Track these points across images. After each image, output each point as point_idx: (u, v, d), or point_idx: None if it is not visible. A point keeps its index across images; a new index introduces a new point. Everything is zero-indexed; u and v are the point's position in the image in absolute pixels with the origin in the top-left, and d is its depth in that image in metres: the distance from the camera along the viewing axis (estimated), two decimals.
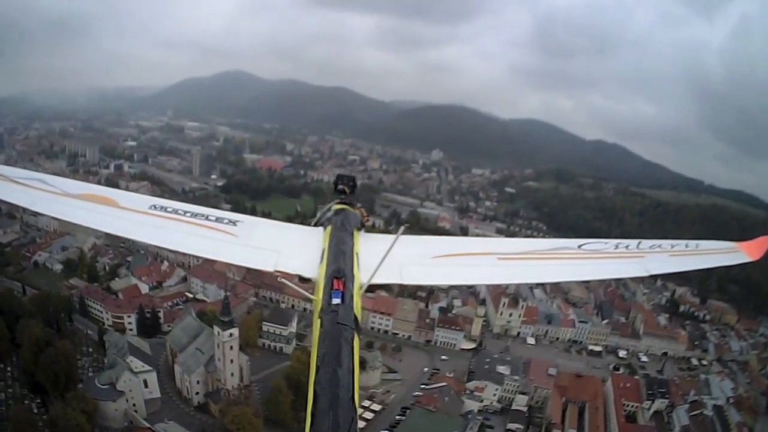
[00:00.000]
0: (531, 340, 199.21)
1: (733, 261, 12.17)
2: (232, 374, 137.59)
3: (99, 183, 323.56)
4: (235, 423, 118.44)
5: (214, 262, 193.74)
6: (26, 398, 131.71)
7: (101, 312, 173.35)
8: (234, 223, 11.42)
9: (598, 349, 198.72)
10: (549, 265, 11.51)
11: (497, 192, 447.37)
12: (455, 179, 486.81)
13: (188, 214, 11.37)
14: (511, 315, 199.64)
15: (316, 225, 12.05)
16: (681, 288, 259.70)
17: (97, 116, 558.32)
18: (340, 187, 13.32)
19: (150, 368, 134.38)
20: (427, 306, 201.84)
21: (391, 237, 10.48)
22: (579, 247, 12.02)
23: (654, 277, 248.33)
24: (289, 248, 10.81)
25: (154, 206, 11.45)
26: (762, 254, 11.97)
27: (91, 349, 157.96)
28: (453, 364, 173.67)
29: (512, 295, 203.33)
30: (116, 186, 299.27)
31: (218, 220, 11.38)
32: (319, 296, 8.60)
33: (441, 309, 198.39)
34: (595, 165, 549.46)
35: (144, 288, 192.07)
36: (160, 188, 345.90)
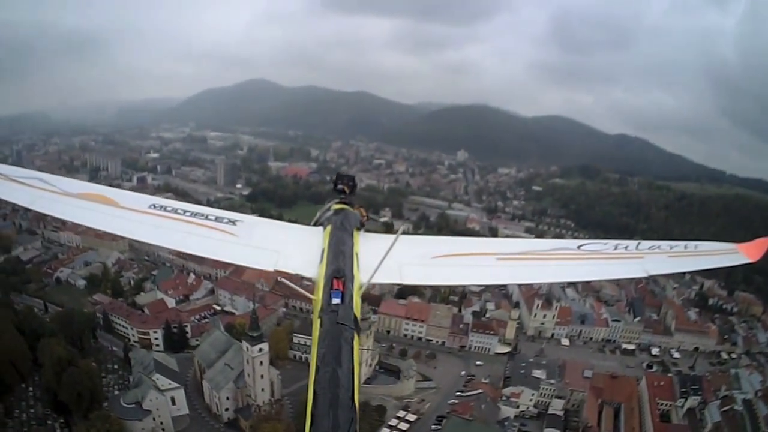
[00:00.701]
0: (565, 341, 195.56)
1: (732, 262, 12.01)
2: (262, 390, 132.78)
3: None
4: None
5: (242, 273, 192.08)
6: (49, 418, 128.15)
7: (126, 328, 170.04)
8: (234, 222, 11.38)
9: (631, 347, 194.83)
10: (548, 265, 11.40)
11: (524, 191, 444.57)
12: (482, 179, 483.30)
13: (188, 214, 11.35)
14: (545, 316, 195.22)
15: (315, 225, 12.09)
16: (709, 281, 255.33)
17: (118, 130, 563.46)
18: (340, 186, 13.24)
19: (177, 385, 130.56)
20: (460, 311, 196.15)
21: (391, 237, 10.51)
22: (578, 247, 11.98)
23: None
24: (289, 248, 10.80)
25: (154, 206, 11.44)
26: (761, 255, 11.89)
27: (116, 366, 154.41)
28: (488, 369, 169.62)
29: (545, 295, 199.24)
30: None
31: (218, 219, 11.37)
32: (319, 296, 8.65)
33: (474, 313, 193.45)
34: (619, 159, 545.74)
35: (170, 302, 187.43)
36: (185, 200, 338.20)
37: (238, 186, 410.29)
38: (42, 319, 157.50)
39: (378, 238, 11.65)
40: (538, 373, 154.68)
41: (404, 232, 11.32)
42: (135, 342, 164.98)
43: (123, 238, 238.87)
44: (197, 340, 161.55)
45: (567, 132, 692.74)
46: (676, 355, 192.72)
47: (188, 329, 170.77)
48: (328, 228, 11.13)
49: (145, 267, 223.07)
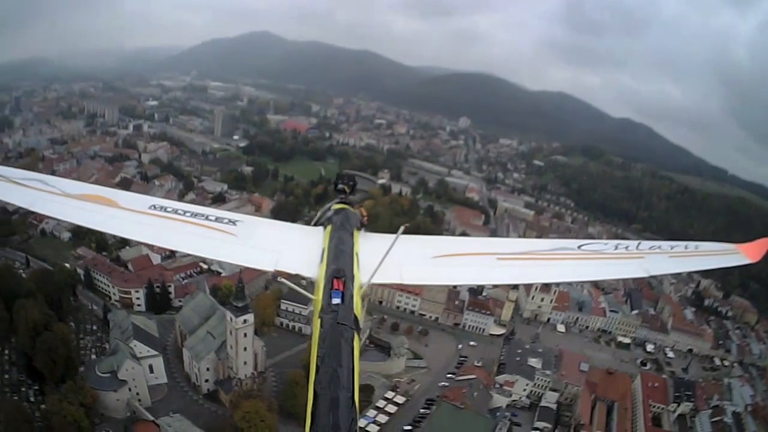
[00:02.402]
0: (561, 328, 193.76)
1: (732, 263, 11.85)
2: (245, 363, 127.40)
3: (117, 144, 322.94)
4: (246, 420, 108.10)
5: None
6: (24, 385, 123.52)
7: (108, 286, 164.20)
8: (234, 222, 11.35)
9: (627, 341, 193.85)
10: (548, 265, 11.38)
11: (525, 164, 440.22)
12: (483, 148, 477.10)
13: (188, 214, 11.30)
14: (542, 300, 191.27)
15: (316, 224, 12.15)
16: (706, 280, 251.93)
17: (119, 77, 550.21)
18: (340, 186, 13.29)
19: (156, 353, 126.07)
20: (456, 287, 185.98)
21: (391, 237, 10.45)
22: (579, 247, 11.84)
23: None
24: (289, 248, 10.91)
25: (154, 206, 11.39)
26: (761, 256, 11.63)
27: (95, 327, 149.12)
28: (482, 351, 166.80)
29: None
30: (134, 147, 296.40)
31: (218, 220, 11.33)
32: (319, 296, 8.72)
33: (471, 291, 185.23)
34: (622, 143, 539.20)
35: (156, 258, 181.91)
36: (180, 149, 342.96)
37: (235, 137, 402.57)
38: (20, 278, 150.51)
39: (378, 238, 11.57)
40: (534, 362, 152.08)
41: (404, 232, 10.58)
42: (116, 301, 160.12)
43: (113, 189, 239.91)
44: (180, 301, 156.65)
45: (571, 110, 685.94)
46: (671, 354, 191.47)
47: (172, 289, 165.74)
48: (329, 228, 11.19)
49: None
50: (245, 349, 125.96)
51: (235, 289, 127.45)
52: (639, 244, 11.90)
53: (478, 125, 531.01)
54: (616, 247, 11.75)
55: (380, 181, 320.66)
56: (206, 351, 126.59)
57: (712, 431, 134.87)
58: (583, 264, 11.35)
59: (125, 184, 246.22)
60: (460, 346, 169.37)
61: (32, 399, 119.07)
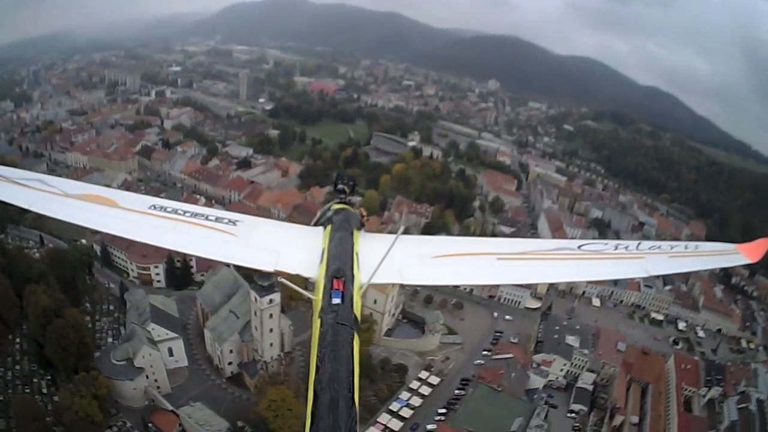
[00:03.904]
0: (596, 302, 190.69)
1: (732, 263, 11.86)
2: (270, 344, 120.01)
3: (138, 111, 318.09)
4: (272, 409, 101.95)
5: (258, 196, 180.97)
6: (36, 375, 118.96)
7: (126, 262, 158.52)
8: (234, 222, 11.22)
9: (659, 317, 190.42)
10: (549, 265, 11.18)
11: (555, 128, 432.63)
12: (512, 111, 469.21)
13: (188, 214, 11.17)
14: None
15: (316, 224, 11.93)
16: None
17: (143, 44, 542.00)
18: (340, 186, 13.01)
19: (175, 335, 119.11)
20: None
21: (391, 237, 10.50)
22: (579, 247, 11.63)
23: (709, 241, 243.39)
24: (288, 248, 10.74)
25: (154, 206, 11.25)
26: (761, 256, 11.44)
27: (112, 307, 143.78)
28: (518, 326, 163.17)
29: None
30: (156, 114, 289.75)
31: (218, 219, 11.20)
32: (319, 296, 8.62)
33: None
34: (650, 111, 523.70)
35: None
36: (204, 113, 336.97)
37: (261, 100, 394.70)
38: (32, 260, 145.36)
39: (378, 238, 11.40)
40: (571, 340, 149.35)
41: (404, 232, 10.99)
42: (134, 278, 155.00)
43: (133, 158, 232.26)
44: (203, 275, 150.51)
45: (598, 75, 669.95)
46: (701, 334, 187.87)
47: (193, 263, 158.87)
48: (328, 228, 11.03)
49: (153, 189, 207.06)
50: (271, 330, 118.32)
51: None
52: (639, 244, 11.53)
53: (506, 88, 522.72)
54: (616, 247, 11.43)
55: (411, 143, 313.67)
56: (229, 332, 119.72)
57: (739, 419, 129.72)
58: (583, 264, 11.00)
59: (146, 152, 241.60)
60: (495, 314, 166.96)
61: (45, 391, 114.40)
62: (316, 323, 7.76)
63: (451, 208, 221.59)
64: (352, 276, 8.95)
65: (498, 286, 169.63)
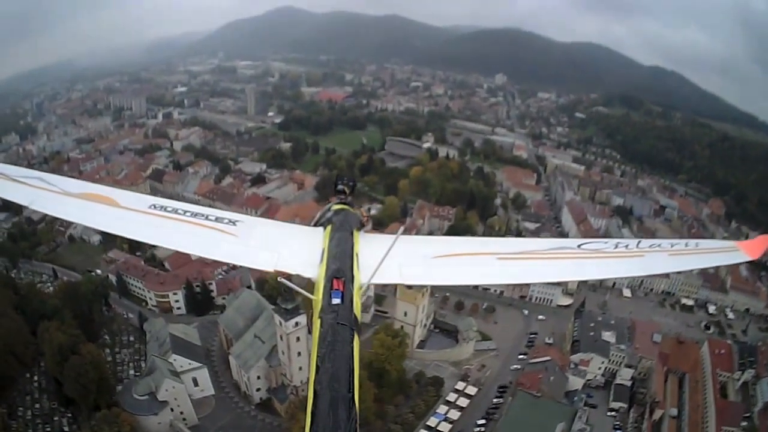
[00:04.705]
0: (627, 292, 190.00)
1: (732, 260, 11.77)
2: (300, 368, 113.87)
3: (146, 135, 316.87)
4: None
5: (276, 210, 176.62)
6: (56, 413, 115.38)
7: (143, 290, 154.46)
8: (234, 222, 11.21)
9: (690, 303, 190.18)
10: (549, 264, 11.06)
11: (567, 117, 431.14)
12: (523, 103, 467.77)
13: (188, 214, 11.16)
14: None
15: (315, 225, 11.86)
16: (753, 233, 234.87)
17: (145, 68, 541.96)
18: (340, 187, 12.83)
19: (199, 364, 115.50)
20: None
21: (391, 237, 10.52)
22: (579, 246, 11.54)
23: (729, 218, 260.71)
24: (288, 248, 10.76)
25: (154, 206, 11.27)
26: (761, 253, 11.42)
27: (132, 338, 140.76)
28: (551, 325, 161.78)
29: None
30: (165, 136, 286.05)
31: (218, 219, 11.19)
32: (319, 296, 8.64)
33: None
34: (656, 91, 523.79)
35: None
36: (213, 132, 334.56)
37: (270, 114, 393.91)
38: (45, 295, 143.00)
39: (378, 238, 11.39)
40: (608, 336, 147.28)
41: (404, 233, 10.78)
42: (153, 306, 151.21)
43: (144, 182, 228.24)
44: (224, 299, 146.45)
45: (603, 59, 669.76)
46: (731, 315, 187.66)
47: (213, 287, 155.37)
48: (328, 228, 11.03)
49: None
50: (299, 354, 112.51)
51: (281, 287, 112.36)
52: (639, 242, 11.41)
53: (514, 81, 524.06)
54: (616, 246, 11.31)
55: (425, 145, 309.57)
56: (255, 358, 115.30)
57: None
58: (583, 263, 10.90)
59: (157, 176, 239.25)
60: (525, 312, 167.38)
61: (66, 429, 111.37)
62: (316, 323, 7.76)
63: (473, 209, 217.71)
64: (352, 276, 8.92)
65: (528, 285, 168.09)
